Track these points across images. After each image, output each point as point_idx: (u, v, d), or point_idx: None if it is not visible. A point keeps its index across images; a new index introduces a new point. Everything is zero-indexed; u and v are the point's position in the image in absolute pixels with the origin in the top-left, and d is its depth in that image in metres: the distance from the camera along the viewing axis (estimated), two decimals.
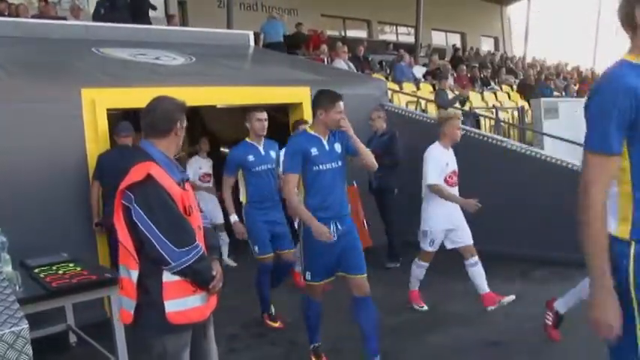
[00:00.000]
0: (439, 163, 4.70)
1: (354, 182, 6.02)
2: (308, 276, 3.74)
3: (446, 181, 4.73)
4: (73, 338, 4.54)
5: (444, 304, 5.07)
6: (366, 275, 3.69)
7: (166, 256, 2.36)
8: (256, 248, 4.71)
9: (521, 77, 15.83)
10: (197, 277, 2.47)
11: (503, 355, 4.01)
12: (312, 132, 3.71)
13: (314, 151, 3.61)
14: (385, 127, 6.47)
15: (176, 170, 2.53)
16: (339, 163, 3.70)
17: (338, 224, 3.63)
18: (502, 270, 5.63)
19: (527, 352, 4.02)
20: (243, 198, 4.83)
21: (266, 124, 4.78)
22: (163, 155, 2.51)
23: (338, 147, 3.71)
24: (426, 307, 4.98)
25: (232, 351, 4.27)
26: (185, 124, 2.59)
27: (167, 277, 2.42)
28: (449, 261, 4.98)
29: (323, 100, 3.65)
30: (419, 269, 4.98)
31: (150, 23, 9.53)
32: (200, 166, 6.88)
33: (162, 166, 2.46)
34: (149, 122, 2.53)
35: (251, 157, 4.70)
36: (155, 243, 2.35)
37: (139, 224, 2.36)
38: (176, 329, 2.46)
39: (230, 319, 4.69)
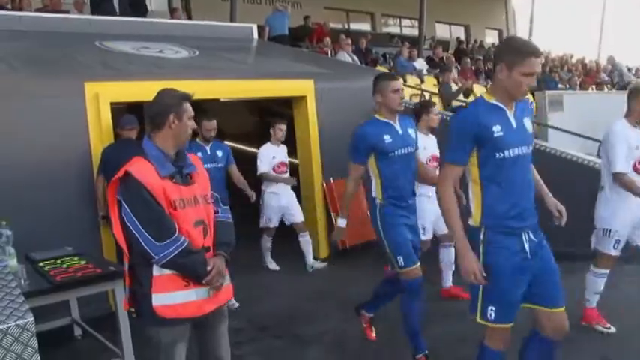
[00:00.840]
0: (628, 144, 3.82)
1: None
2: (491, 315, 2.62)
3: (635, 168, 3.85)
4: (78, 331, 4.56)
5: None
6: (564, 308, 2.69)
7: (149, 250, 2.40)
8: (400, 259, 3.64)
9: None
10: (184, 271, 2.47)
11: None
12: (492, 100, 2.54)
13: (497, 129, 2.45)
14: None
15: (168, 165, 2.50)
16: (529, 148, 2.57)
17: (532, 235, 2.61)
18: None
19: None
20: (377, 193, 3.75)
21: (403, 94, 3.73)
22: (157, 149, 2.50)
23: (528, 124, 2.61)
24: (613, 329, 4.03)
25: (236, 344, 4.28)
26: (190, 115, 2.55)
27: (157, 270, 2.45)
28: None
29: (508, 50, 2.48)
30: (599, 279, 4.05)
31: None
32: (273, 155, 6.12)
33: (151, 161, 2.46)
34: (148, 116, 2.56)
35: (387, 138, 3.66)
36: (139, 237, 2.40)
37: (125, 219, 2.41)
38: (166, 322, 2.48)
39: (234, 313, 4.70)
